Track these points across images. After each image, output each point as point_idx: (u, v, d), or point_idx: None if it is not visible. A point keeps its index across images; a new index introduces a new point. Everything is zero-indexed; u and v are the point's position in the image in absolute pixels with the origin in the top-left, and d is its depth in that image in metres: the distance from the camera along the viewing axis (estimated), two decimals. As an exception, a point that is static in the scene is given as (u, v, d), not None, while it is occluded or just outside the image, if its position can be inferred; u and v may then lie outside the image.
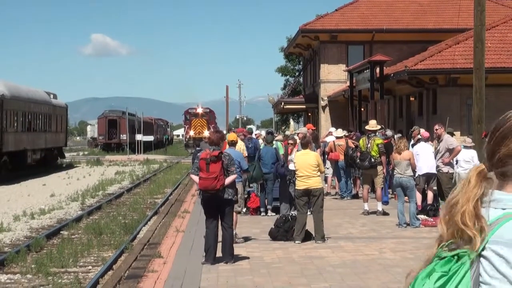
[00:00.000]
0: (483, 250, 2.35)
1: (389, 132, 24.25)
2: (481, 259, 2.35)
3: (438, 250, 2.47)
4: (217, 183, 12.53)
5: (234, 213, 14.76)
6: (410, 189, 17.56)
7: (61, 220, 21.80)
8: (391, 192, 22.62)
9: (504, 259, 2.31)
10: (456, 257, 2.39)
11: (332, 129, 28.25)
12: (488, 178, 2.48)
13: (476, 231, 2.38)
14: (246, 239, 15.62)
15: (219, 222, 12.98)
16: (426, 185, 19.08)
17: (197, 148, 13.67)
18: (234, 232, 14.89)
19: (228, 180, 12.74)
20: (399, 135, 24.08)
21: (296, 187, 15.48)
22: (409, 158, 17.59)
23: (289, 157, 20.51)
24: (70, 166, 53.77)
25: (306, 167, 15.17)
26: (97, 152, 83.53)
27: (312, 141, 18.13)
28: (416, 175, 18.31)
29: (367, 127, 21.30)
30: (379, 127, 22.33)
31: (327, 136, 27.55)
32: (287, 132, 24.28)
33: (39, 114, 46.35)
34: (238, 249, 13.93)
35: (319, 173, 15.46)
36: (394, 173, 18.00)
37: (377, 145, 20.01)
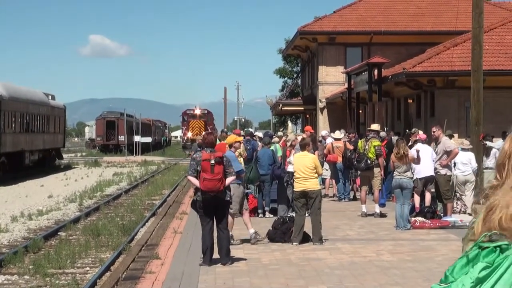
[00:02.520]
0: None
1: (383, 134, 24.22)
2: None
3: (479, 238, 2.45)
4: (221, 184, 12.61)
5: (230, 215, 14.76)
6: (408, 191, 17.57)
7: (59, 221, 21.79)
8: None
9: None
10: (498, 248, 2.39)
11: (324, 132, 28.26)
12: None
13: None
14: (244, 241, 15.60)
15: (214, 223, 13.00)
16: (424, 188, 19.08)
17: (198, 149, 13.63)
18: (253, 230, 14.94)
19: (227, 181, 12.83)
20: (397, 137, 24.06)
21: (294, 188, 15.48)
22: (410, 159, 17.63)
23: (288, 159, 20.54)
24: (68, 167, 53.75)
25: (304, 169, 15.18)
26: (95, 153, 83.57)
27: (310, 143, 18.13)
28: (414, 178, 18.30)
29: (369, 128, 21.39)
30: (380, 130, 22.41)
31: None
32: (290, 136, 24.20)
33: (37, 115, 46.33)
34: (236, 251, 13.94)
35: (316, 175, 15.45)
36: (394, 174, 18.01)
37: (374, 147, 20.02)
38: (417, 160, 18.28)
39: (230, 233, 14.77)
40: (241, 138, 16.17)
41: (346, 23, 47.00)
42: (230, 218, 14.83)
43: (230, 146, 15.50)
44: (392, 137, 25.13)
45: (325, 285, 11.08)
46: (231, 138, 16.08)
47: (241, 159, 20.56)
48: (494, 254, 2.38)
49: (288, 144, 21.89)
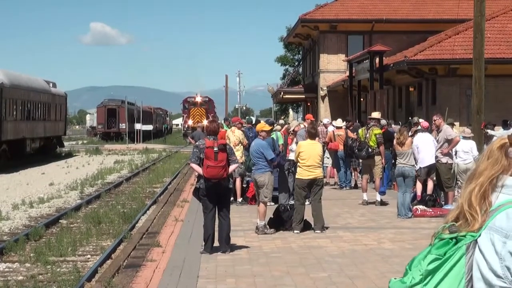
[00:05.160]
0: (479, 236, 2.33)
1: (383, 122, 24.17)
2: (477, 245, 2.33)
3: (438, 230, 2.45)
4: (224, 171, 12.64)
5: (262, 204, 14.82)
6: (410, 179, 17.57)
7: (60, 209, 21.80)
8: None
9: (493, 246, 2.29)
10: (454, 240, 2.37)
11: (325, 120, 28.24)
12: (509, 156, 2.43)
13: (477, 214, 2.35)
14: (245, 228, 15.62)
15: (217, 211, 13.02)
16: (427, 176, 19.05)
17: (201, 141, 13.63)
18: (263, 223, 14.95)
19: (230, 168, 12.89)
20: (399, 126, 24.04)
21: (299, 177, 15.34)
22: (410, 146, 17.63)
23: (289, 147, 20.53)
24: (69, 155, 53.77)
25: (315, 157, 15.16)
26: (96, 141, 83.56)
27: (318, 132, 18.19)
28: (418, 167, 18.29)
29: (369, 116, 21.37)
30: (381, 118, 22.39)
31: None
32: (293, 123, 24.15)
33: (38, 103, 46.30)
34: (237, 239, 13.95)
35: (321, 163, 15.55)
36: (397, 162, 18.01)
37: (375, 135, 20.00)
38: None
39: (263, 223, 14.86)
40: (268, 127, 16.09)
41: (348, 11, 46.93)
42: (262, 206, 14.91)
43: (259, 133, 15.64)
44: (393, 125, 25.12)
45: (326, 273, 11.09)
46: (259, 126, 16.08)
47: (241, 147, 20.63)
48: (448, 245, 2.37)
49: (291, 129, 21.89)
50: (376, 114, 21.24)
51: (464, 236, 2.37)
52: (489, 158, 2.45)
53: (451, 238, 2.39)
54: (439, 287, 2.37)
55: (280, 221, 15.46)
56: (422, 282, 2.40)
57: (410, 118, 25.04)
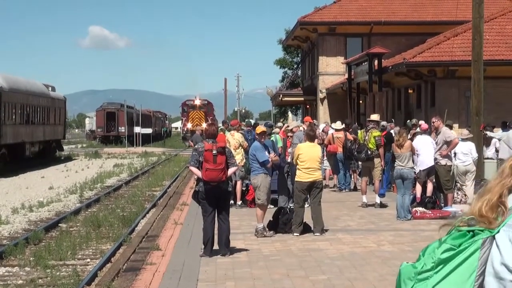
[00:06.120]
0: (497, 233, 2.34)
1: (383, 123, 24.19)
2: (495, 240, 2.34)
3: (457, 222, 2.46)
4: (223, 174, 12.64)
5: (259, 207, 14.84)
6: (409, 181, 17.56)
7: (60, 213, 21.80)
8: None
9: (510, 242, 2.30)
10: (471, 233, 2.38)
11: (322, 125, 28.25)
12: None
13: (493, 218, 2.37)
14: (246, 232, 15.62)
15: (216, 214, 13.01)
16: (427, 178, 19.05)
17: (200, 144, 13.63)
18: (262, 226, 14.94)
19: (230, 171, 12.90)
20: (398, 128, 24.04)
21: (298, 179, 15.31)
22: (409, 149, 17.61)
23: (288, 150, 20.53)
24: (68, 158, 53.75)
25: (315, 160, 15.15)
26: (95, 144, 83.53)
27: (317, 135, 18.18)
28: (418, 170, 18.30)
29: (369, 118, 21.38)
30: (380, 120, 22.39)
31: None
32: (292, 124, 24.14)
33: (37, 107, 46.29)
34: (236, 242, 13.94)
35: (320, 165, 15.57)
36: (395, 164, 18.01)
37: (375, 137, 20.01)
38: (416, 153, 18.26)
39: (262, 225, 14.86)
40: (260, 129, 16.09)
41: (347, 14, 46.96)
42: (259, 210, 14.90)
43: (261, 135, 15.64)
44: (394, 129, 25.11)
45: (326, 275, 11.09)
46: (258, 129, 16.09)
47: (241, 150, 20.63)
48: (464, 237, 2.38)
49: (289, 128, 21.91)
50: (375, 117, 21.25)
51: (482, 231, 2.38)
52: (502, 176, 2.49)
53: (468, 231, 2.40)
54: (449, 276, 2.39)
55: (279, 224, 15.46)
56: (433, 270, 2.42)
57: (408, 120, 25.02)
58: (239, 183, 20.15)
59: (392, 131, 24.42)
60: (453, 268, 2.38)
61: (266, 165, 15.05)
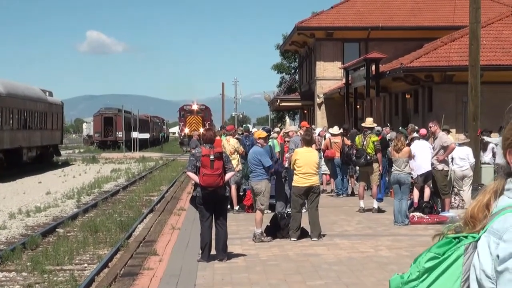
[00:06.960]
0: (479, 239, 2.35)
1: (377, 128, 24.14)
2: (478, 246, 2.35)
3: (443, 231, 2.47)
4: (220, 179, 12.64)
5: (259, 211, 14.84)
6: (406, 186, 17.57)
7: (57, 218, 21.78)
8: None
9: (488, 248, 2.30)
10: (457, 240, 2.39)
11: (318, 130, 28.26)
12: None
13: (478, 221, 2.38)
14: (242, 236, 15.61)
15: (213, 219, 13.01)
16: (424, 183, 19.06)
17: (197, 149, 13.65)
18: (260, 231, 14.93)
19: (227, 176, 12.89)
20: (395, 133, 24.04)
21: (296, 184, 15.27)
22: (407, 154, 17.59)
23: (286, 155, 20.53)
24: (65, 163, 53.72)
25: (312, 165, 15.14)
26: (92, 149, 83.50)
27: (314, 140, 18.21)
28: (415, 175, 18.30)
29: (363, 124, 21.32)
30: (375, 125, 22.36)
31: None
32: (290, 128, 24.23)
33: (34, 112, 46.28)
34: (234, 247, 13.94)
35: (317, 170, 15.57)
36: (392, 170, 18.01)
37: (373, 142, 20.02)
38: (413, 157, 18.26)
39: (260, 230, 14.85)
40: (265, 134, 16.12)
41: (344, 19, 47.01)
42: (259, 214, 14.90)
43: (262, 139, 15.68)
44: (389, 134, 25.11)
45: (323, 280, 11.09)
46: (257, 134, 16.14)
47: (237, 155, 20.62)
48: (449, 245, 2.39)
49: (285, 131, 21.95)
50: (369, 122, 21.10)
51: (466, 237, 2.39)
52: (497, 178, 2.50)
53: (454, 238, 2.41)
54: (434, 285, 2.40)
55: (277, 229, 15.45)
56: (418, 279, 2.43)
57: (400, 127, 25.00)
58: (234, 188, 20.14)
59: (387, 136, 24.45)
60: (437, 276, 2.39)
61: (271, 169, 15.11)
